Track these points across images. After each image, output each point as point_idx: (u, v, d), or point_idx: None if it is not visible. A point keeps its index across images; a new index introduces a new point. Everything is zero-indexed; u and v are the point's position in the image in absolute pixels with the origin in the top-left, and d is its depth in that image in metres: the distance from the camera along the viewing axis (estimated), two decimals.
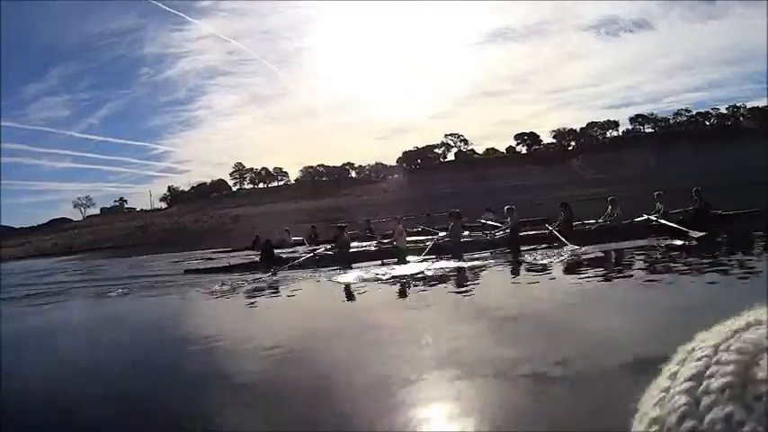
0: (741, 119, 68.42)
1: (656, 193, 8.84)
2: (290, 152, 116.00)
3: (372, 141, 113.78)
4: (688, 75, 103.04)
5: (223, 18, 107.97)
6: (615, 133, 68.50)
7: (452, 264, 7.54)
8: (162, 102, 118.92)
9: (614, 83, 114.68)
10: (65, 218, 69.95)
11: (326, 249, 9.50)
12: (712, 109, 69.67)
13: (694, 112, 69.44)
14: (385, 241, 9.69)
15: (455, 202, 33.68)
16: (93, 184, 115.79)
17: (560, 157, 62.72)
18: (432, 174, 58.32)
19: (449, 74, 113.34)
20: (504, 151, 66.12)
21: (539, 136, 65.89)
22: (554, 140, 66.30)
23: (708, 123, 69.29)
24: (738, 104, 68.81)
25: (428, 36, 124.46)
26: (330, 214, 39.94)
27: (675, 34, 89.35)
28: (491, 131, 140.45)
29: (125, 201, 74.13)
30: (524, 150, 66.20)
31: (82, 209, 71.88)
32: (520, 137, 65.33)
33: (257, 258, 9.78)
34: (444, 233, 9.30)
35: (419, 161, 64.96)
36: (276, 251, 11.08)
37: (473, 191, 46.65)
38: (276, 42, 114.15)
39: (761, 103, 64.67)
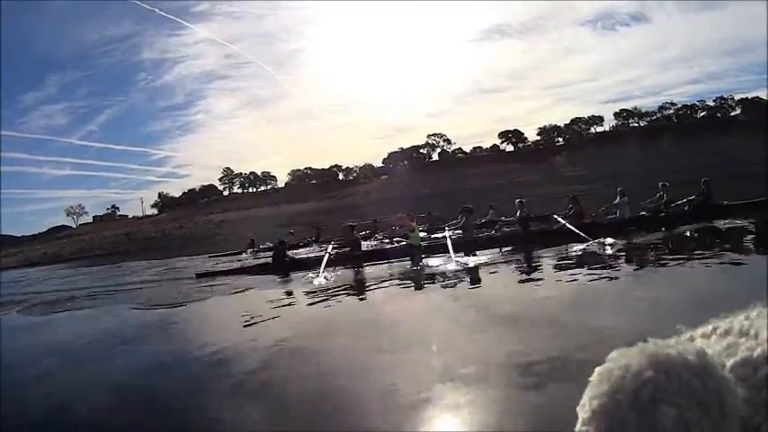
0: (729, 111, 69.06)
1: (660, 184, 8.99)
2: (289, 154, 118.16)
3: (371, 141, 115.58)
4: (686, 67, 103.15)
5: (219, 22, 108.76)
6: (600, 128, 69.73)
7: (468, 260, 7.51)
8: (161, 107, 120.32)
9: (612, 77, 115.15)
10: (64, 225, 72.06)
11: (336, 249, 9.33)
12: (699, 101, 70.37)
13: (680, 105, 70.18)
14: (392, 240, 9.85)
15: (434, 202, 35.21)
16: (95, 190, 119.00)
17: (544, 154, 64.02)
18: (415, 174, 59.87)
19: (447, 72, 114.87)
20: (489, 149, 67.56)
21: (523, 133, 67.33)
22: (539, 137, 67.58)
23: (695, 116, 70.02)
24: (726, 96, 69.37)
25: (425, 35, 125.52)
26: (311, 217, 41.40)
27: (672, 27, 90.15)
28: (490, 128, 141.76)
29: (117, 208, 76.12)
30: (510, 148, 67.55)
31: (75, 217, 73.94)
32: (504, 134, 66.71)
33: (270, 260, 9.71)
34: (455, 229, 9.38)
35: (405, 162, 66.49)
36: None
37: (453, 190, 48.00)
38: (273, 45, 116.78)
39: (758, 94, 65.43)
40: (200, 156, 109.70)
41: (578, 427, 0.34)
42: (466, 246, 8.33)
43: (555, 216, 8.72)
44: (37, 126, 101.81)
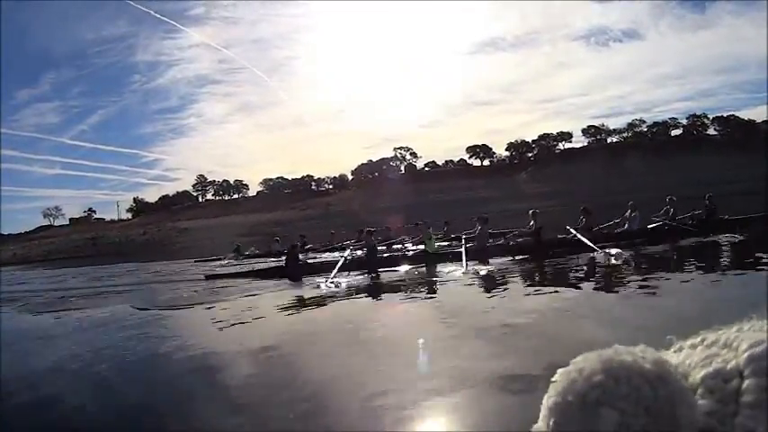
0: (702, 129, 71.06)
1: (668, 198, 9.41)
2: (280, 161, 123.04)
3: (362, 151, 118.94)
4: (678, 84, 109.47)
5: (214, 26, 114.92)
6: (569, 145, 73.40)
7: (480, 267, 7.74)
8: (153, 109, 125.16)
9: (604, 93, 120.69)
10: (50, 225, 76.13)
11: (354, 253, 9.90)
12: (671, 119, 73.69)
13: (651, 123, 73.23)
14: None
15: (391, 216, 38.77)
16: (85, 191, 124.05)
17: (510, 169, 67.91)
18: (382, 187, 63.77)
19: (440, 83, 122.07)
20: (457, 163, 71.64)
21: (491, 148, 71.44)
22: (507, 152, 71.57)
23: (669, 134, 72.99)
24: (699, 114, 72.38)
25: (419, 46, 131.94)
26: (272, 228, 44.82)
27: (665, 44, 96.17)
28: (482, 141, 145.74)
29: (94, 211, 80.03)
30: (477, 163, 71.62)
31: (51, 219, 77.78)
32: (472, 149, 70.82)
33: (283, 263, 10.03)
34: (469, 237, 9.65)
35: (376, 174, 70.55)
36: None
37: (413, 204, 51.61)
38: (267, 51, 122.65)
39: (750, 111, 68.15)
40: (191, 160, 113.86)
41: (537, 423, 0.36)
42: (479, 254, 8.67)
43: (568, 227, 8.97)
44: (28, 124, 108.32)
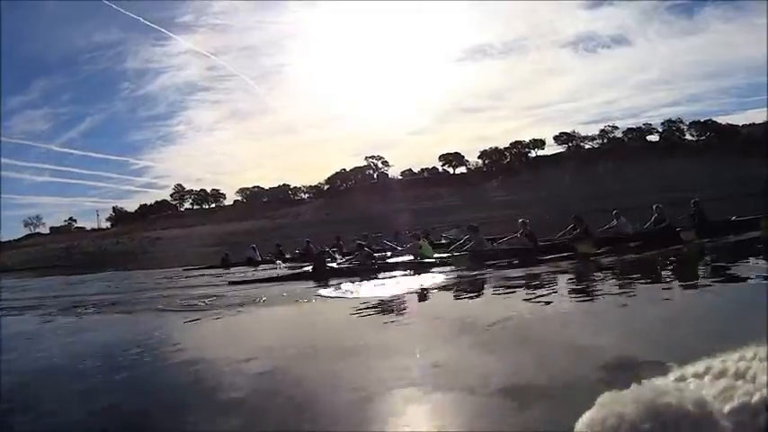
0: (678, 134, 72.90)
1: (654, 206, 9.71)
2: (270, 168, 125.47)
3: (352, 158, 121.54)
4: (666, 90, 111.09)
5: (204, 34, 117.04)
6: (542, 152, 75.89)
7: (476, 273, 8.17)
8: (142, 117, 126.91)
9: (592, 98, 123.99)
10: (39, 233, 78.34)
11: (350, 261, 10.50)
12: (645, 125, 75.53)
13: (626, 128, 75.05)
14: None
15: (349, 226, 41.56)
16: (74, 198, 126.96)
17: (484, 177, 70.94)
18: (352, 196, 66.88)
19: (429, 90, 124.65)
20: (429, 170, 74.86)
21: (463, 156, 74.51)
22: (479, 160, 74.59)
23: (646, 140, 75.27)
24: (674, 119, 74.15)
25: (408, 53, 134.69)
26: (239, 238, 47.43)
27: (653, 50, 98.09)
28: (470, 148, 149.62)
29: (74, 220, 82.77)
30: (451, 171, 74.81)
31: (31, 228, 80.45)
32: (445, 157, 73.98)
33: (310, 268, 10.57)
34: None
35: (351, 182, 73.66)
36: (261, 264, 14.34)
37: (381, 213, 54.46)
38: (256, 58, 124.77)
39: (737, 116, 70.32)
40: (180, 167, 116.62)
41: None
42: (475, 260, 9.06)
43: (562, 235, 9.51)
44: (18, 131, 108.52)
